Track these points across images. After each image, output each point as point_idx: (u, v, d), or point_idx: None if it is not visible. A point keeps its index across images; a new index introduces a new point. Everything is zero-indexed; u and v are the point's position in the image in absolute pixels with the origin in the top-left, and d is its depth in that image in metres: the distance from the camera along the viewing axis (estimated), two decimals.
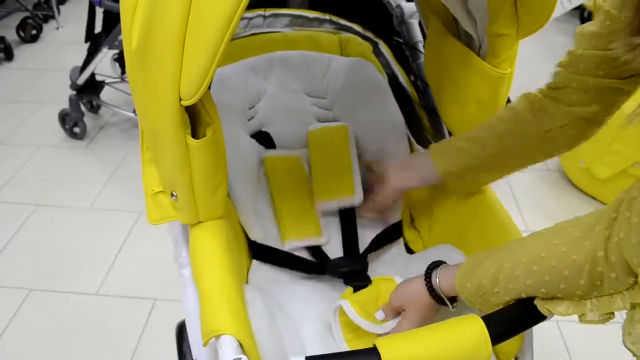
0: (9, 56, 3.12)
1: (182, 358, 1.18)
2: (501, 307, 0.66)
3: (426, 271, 0.75)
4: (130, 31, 0.61)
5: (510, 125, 0.81)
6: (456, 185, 0.89)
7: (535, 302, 0.63)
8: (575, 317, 0.62)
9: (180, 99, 0.61)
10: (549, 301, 0.62)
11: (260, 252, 0.99)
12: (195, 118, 0.69)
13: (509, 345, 0.77)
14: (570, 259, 0.59)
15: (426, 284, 0.74)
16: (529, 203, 2.05)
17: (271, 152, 1.14)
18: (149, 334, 1.56)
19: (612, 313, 0.60)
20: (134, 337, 1.55)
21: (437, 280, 0.73)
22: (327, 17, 1.24)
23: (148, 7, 0.58)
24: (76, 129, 2.41)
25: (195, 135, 0.68)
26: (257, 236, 0.99)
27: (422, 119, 1.10)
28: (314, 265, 1.00)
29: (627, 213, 0.54)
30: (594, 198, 2.05)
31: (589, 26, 0.69)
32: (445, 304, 0.74)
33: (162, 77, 0.61)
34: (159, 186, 0.78)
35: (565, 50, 0.74)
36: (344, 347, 0.81)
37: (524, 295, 0.63)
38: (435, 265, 0.76)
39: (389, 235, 1.06)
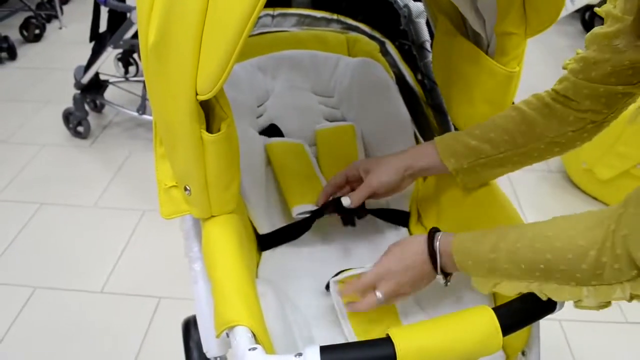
0: (12, 55, 3.14)
1: (189, 354, 1.19)
2: (493, 278, 0.68)
3: (429, 234, 0.76)
4: (147, 27, 0.62)
5: (520, 126, 0.82)
6: (464, 180, 0.90)
7: (531, 287, 0.64)
8: (575, 316, 0.63)
9: (197, 94, 0.63)
10: (546, 285, 0.63)
11: (269, 240, 1.00)
12: (209, 113, 0.70)
13: (517, 339, 0.77)
14: (576, 243, 0.60)
15: (428, 246, 0.75)
16: (531, 204, 2.06)
17: (274, 140, 1.15)
18: (154, 331, 1.57)
19: (610, 302, 0.60)
20: (139, 335, 1.55)
21: (438, 242, 0.74)
22: (335, 16, 1.26)
23: (165, 4, 0.59)
24: (80, 128, 2.42)
25: (209, 130, 0.69)
26: (265, 231, 1.00)
27: (429, 117, 1.11)
28: (313, 215, 0.99)
29: (632, 210, 0.56)
30: (595, 199, 2.06)
31: (600, 29, 0.71)
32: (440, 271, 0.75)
33: (179, 72, 0.62)
34: (172, 181, 0.78)
35: (566, 52, 0.76)
36: (354, 339, 0.82)
37: (523, 267, 0.64)
38: (436, 230, 0.77)
39: (393, 214, 1.06)
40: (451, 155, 0.87)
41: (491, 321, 0.61)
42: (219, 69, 0.58)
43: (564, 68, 0.79)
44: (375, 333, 0.81)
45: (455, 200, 0.96)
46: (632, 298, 0.58)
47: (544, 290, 0.64)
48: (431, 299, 0.89)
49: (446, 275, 0.76)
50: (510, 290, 0.67)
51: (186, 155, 0.70)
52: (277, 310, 0.80)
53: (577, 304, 0.62)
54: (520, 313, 0.64)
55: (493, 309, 0.62)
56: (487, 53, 0.86)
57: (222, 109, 0.70)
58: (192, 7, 0.57)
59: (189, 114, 0.65)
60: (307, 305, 0.89)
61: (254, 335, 0.63)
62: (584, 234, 0.60)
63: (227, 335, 0.65)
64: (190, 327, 1.20)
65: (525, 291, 0.66)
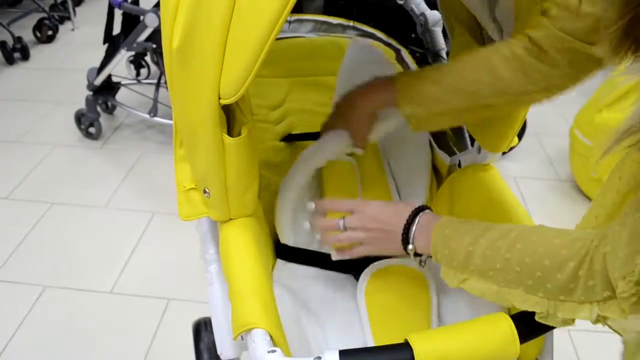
0: (25, 56, 3.17)
1: (199, 356, 1.19)
2: (464, 272, 0.66)
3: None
4: (172, 31, 0.63)
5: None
6: (417, 125, 0.85)
7: (500, 294, 0.63)
8: (584, 325, 0.62)
9: (220, 98, 0.63)
10: (514, 291, 0.62)
11: (287, 253, 0.99)
12: (230, 117, 0.71)
13: (531, 346, 0.77)
14: (559, 252, 0.59)
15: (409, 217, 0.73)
16: (541, 213, 2.06)
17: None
18: (162, 333, 1.57)
19: (573, 320, 0.59)
20: (148, 336, 1.56)
21: (416, 223, 0.73)
22: (351, 23, 1.27)
23: (191, 7, 0.60)
24: (92, 129, 2.44)
25: (230, 133, 0.70)
26: (287, 242, 0.98)
27: None
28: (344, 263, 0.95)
29: (618, 227, 0.54)
30: None
31: None
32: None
33: (203, 76, 0.62)
34: (191, 183, 0.79)
35: None
36: (371, 342, 0.83)
37: (498, 266, 0.63)
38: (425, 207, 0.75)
39: None
40: (409, 102, 0.83)
41: (509, 329, 0.61)
42: (244, 74, 0.59)
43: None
44: (395, 338, 0.81)
45: (468, 206, 0.96)
46: (597, 320, 0.57)
47: (507, 296, 0.63)
48: (449, 307, 0.89)
49: (417, 255, 0.74)
50: (476, 290, 0.66)
51: (207, 157, 0.71)
52: (293, 314, 0.81)
53: (540, 316, 0.61)
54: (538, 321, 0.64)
55: (511, 316, 0.62)
56: None
57: (242, 113, 0.71)
58: (217, 11, 0.58)
59: (211, 117, 0.65)
60: (320, 309, 0.89)
61: (272, 338, 0.63)
62: (568, 245, 0.59)
63: (242, 337, 0.66)
64: (200, 330, 1.20)
65: (490, 297, 0.65)
